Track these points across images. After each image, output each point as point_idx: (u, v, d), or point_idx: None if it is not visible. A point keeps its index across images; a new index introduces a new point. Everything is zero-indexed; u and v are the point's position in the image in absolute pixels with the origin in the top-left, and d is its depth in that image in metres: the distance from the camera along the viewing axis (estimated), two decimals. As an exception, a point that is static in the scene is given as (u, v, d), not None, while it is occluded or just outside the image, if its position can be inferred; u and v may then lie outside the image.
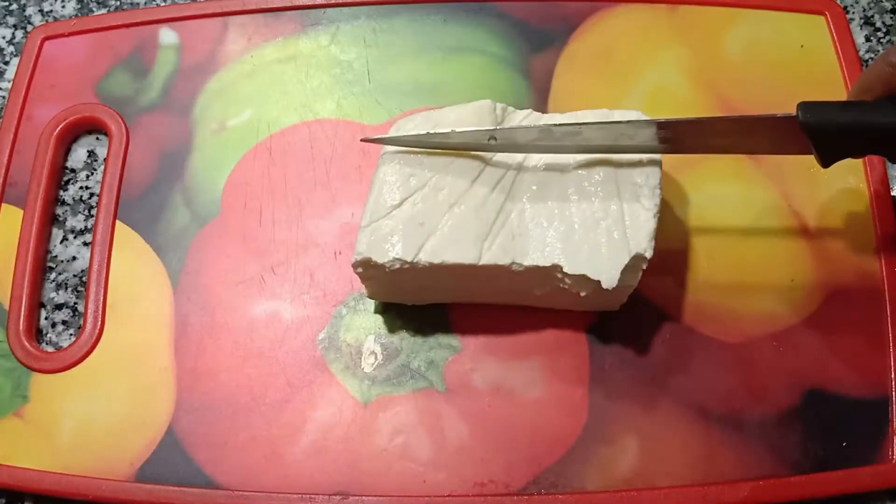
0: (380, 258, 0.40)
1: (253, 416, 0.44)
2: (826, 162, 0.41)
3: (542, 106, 0.50)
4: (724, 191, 0.48)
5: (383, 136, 0.43)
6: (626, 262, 0.40)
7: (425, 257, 0.40)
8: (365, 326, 0.46)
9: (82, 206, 0.50)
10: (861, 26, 0.54)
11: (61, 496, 0.43)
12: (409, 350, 0.45)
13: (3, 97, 0.53)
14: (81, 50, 0.53)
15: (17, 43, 0.55)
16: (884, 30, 0.54)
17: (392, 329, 0.46)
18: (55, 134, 0.50)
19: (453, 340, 0.45)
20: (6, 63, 0.54)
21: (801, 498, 0.42)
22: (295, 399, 0.44)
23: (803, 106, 0.39)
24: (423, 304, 0.46)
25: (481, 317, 0.46)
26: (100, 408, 0.44)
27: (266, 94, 0.51)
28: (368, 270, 0.42)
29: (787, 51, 0.52)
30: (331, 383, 0.45)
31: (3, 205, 0.49)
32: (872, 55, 0.53)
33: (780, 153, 0.42)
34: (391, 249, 0.41)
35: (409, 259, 0.40)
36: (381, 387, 0.45)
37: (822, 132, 0.39)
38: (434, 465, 0.43)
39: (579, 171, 0.42)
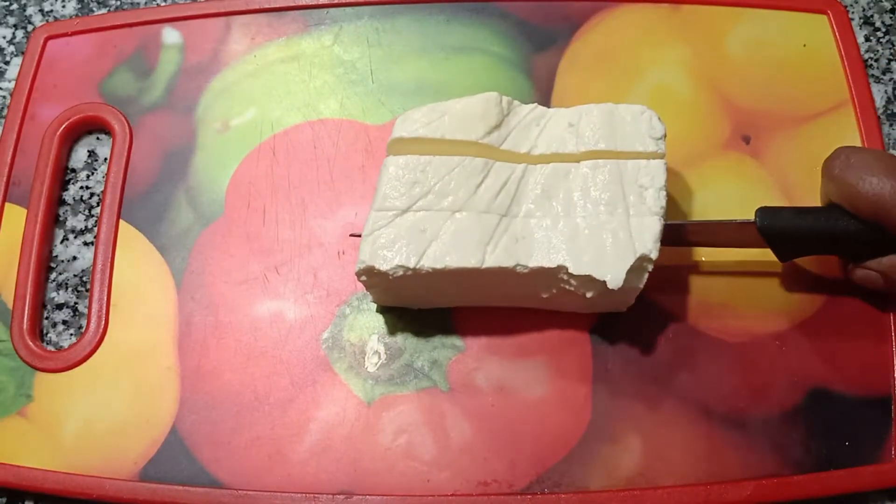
0: (382, 266, 0.40)
1: (257, 415, 0.44)
2: (784, 258, 0.44)
3: (545, 105, 0.50)
4: (727, 189, 0.48)
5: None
6: (631, 263, 0.40)
7: (428, 263, 0.40)
8: (368, 326, 0.46)
9: (82, 206, 0.50)
10: (860, 26, 0.54)
11: (65, 495, 0.43)
12: (413, 350, 0.45)
13: (4, 97, 0.53)
14: (85, 49, 0.53)
15: (18, 43, 0.55)
16: (883, 30, 0.54)
17: (395, 329, 0.46)
18: (58, 133, 0.50)
19: (457, 340, 0.45)
20: (6, 63, 0.54)
21: (803, 497, 0.42)
22: (299, 398, 0.44)
23: (760, 212, 0.43)
24: (428, 308, 0.46)
25: (484, 317, 0.46)
26: (103, 407, 0.44)
27: (269, 93, 0.51)
28: (372, 278, 0.42)
29: (790, 50, 0.52)
30: (334, 383, 0.45)
31: (7, 204, 0.49)
32: (872, 55, 0.53)
33: (744, 247, 0.44)
34: (393, 257, 0.41)
35: (411, 266, 0.40)
36: (385, 386, 0.45)
37: (777, 236, 0.43)
38: (438, 464, 0.43)
39: (585, 173, 0.42)
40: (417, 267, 0.40)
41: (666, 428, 0.43)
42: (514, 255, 0.41)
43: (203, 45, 0.53)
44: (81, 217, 0.50)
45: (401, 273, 0.40)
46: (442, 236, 0.41)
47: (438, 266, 0.40)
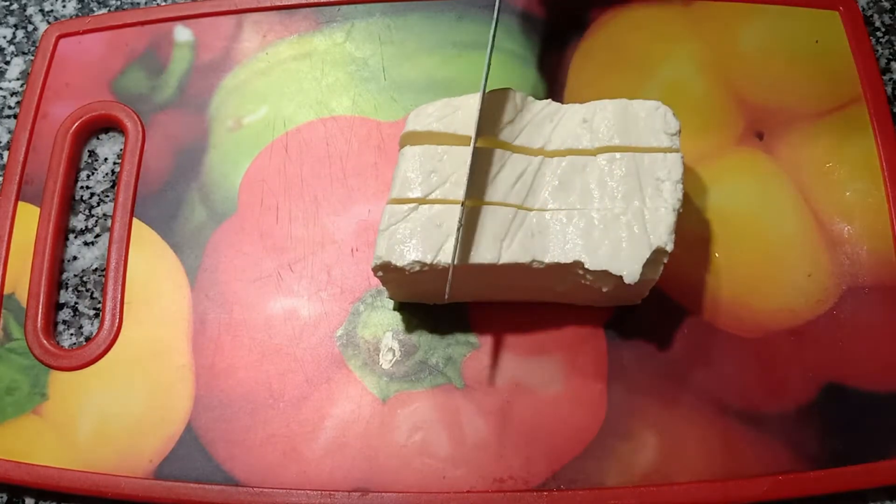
0: (399, 262, 0.40)
1: (271, 412, 0.44)
2: None
3: (557, 102, 0.50)
4: (742, 185, 0.48)
5: None
6: (647, 257, 0.40)
7: (444, 259, 0.40)
8: (382, 323, 0.46)
9: (83, 205, 0.50)
10: (860, 26, 0.54)
11: (80, 494, 0.43)
12: (427, 346, 0.45)
13: (4, 97, 0.53)
14: (96, 48, 0.53)
15: (18, 42, 0.55)
16: (883, 29, 0.54)
17: (410, 325, 0.46)
18: (71, 131, 0.50)
19: (471, 337, 0.45)
20: (7, 63, 0.54)
21: (820, 493, 0.42)
22: (313, 396, 0.44)
23: None
24: (443, 303, 0.46)
25: (499, 313, 0.46)
26: (118, 405, 0.44)
27: (281, 91, 0.51)
28: (388, 273, 0.42)
29: (802, 46, 0.52)
30: (349, 380, 0.45)
31: (20, 203, 0.49)
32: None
33: None
34: (410, 253, 0.40)
35: (427, 261, 0.40)
36: (400, 383, 0.45)
37: None
38: (453, 461, 0.43)
39: (602, 166, 0.42)
40: (434, 263, 0.40)
41: (681, 424, 0.43)
42: (530, 250, 0.41)
43: (215, 43, 0.53)
44: (82, 217, 0.50)
45: (417, 269, 0.40)
46: (458, 232, 0.41)
47: (455, 262, 0.40)
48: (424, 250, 0.40)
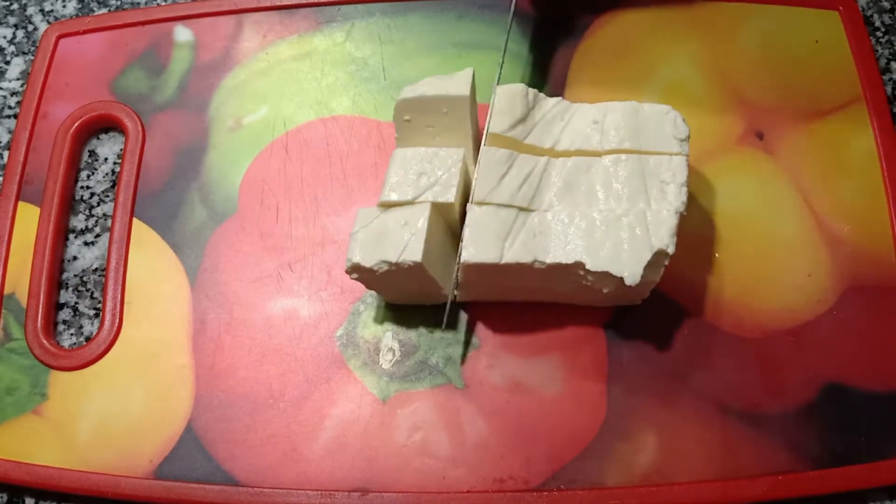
0: (366, 262, 0.40)
1: (272, 412, 0.44)
2: None
3: (558, 102, 0.50)
4: (742, 185, 0.48)
5: None
6: (648, 259, 0.40)
7: (409, 257, 0.40)
8: (382, 323, 0.46)
9: (83, 205, 0.50)
10: (859, 26, 0.54)
11: (80, 494, 0.43)
12: (427, 346, 0.45)
13: (4, 97, 0.53)
14: (96, 48, 0.53)
15: (18, 42, 0.55)
16: (883, 29, 0.54)
17: (409, 325, 0.46)
18: (71, 131, 0.50)
19: (471, 337, 0.45)
20: (7, 63, 0.54)
21: (820, 493, 0.42)
22: (313, 396, 0.44)
23: None
24: (441, 304, 0.46)
25: (499, 313, 0.46)
26: (118, 405, 0.44)
27: (281, 91, 0.51)
28: (362, 275, 0.42)
29: (802, 46, 0.52)
30: (349, 380, 0.45)
31: (20, 203, 0.49)
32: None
33: None
34: (376, 253, 0.40)
35: (392, 260, 0.40)
36: (400, 383, 0.45)
37: None
38: (453, 461, 0.43)
39: (607, 166, 0.42)
40: (399, 262, 0.40)
41: (681, 424, 0.43)
42: (531, 250, 0.40)
43: (215, 43, 0.53)
44: (82, 217, 0.50)
45: (385, 268, 0.40)
46: (421, 230, 0.41)
47: (417, 259, 0.40)
48: (389, 250, 0.40)
